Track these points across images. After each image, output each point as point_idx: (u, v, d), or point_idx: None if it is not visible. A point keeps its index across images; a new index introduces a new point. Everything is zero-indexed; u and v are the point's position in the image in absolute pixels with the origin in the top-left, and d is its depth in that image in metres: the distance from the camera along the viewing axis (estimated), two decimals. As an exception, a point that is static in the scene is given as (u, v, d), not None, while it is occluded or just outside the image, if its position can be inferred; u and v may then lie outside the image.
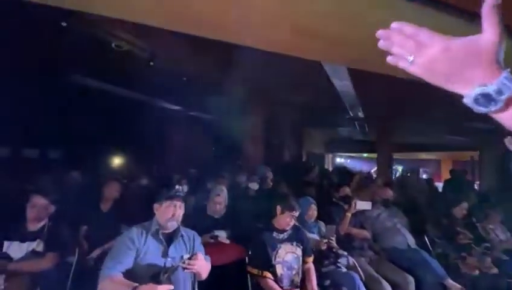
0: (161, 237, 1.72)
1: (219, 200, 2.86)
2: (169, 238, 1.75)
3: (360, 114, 7.26)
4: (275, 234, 2.24)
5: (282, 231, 2.25)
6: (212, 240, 2.56)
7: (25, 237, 2.00)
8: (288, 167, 6.84)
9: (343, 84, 4.83)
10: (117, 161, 6.84)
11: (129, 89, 5.96)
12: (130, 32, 3.85)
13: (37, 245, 2.00)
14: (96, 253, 2.75)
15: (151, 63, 4.41)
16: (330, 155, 14.09)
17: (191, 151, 8.80)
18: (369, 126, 8.25)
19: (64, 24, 2.91)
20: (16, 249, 1.94)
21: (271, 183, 4.31)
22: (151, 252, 1.66)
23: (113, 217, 3.03)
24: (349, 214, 2.88)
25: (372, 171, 11.86)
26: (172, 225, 1.74)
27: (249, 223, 3.28)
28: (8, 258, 1.90)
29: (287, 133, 9.32)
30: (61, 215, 2.27)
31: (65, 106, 5.08)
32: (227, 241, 2.69)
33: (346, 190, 3.26)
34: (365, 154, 14.25)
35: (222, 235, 2.75)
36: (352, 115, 7.08)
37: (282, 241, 2.22)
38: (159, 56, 4.44)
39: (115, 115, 6.12)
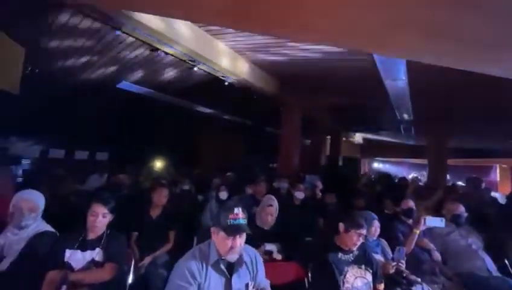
0: (222, 267, 1.52)
1: (271, 211, 2.69)
2: (231, 267, 1.55)
3: (407, 116, 6.73)
4: (340, 254, 1.98)
5: (348, 252, 2.01)
6: (266, 257, 2.41)
7: (85, 246, 1.99)
8: (335, 175, 6.50)
9: (395, 83, 4.45)
10: (160, 165, 7.00)
11: (171, 95, 6.06)
12: (174, 36, 3.86)
13: (97, 255, 1.98)
14: (147, 261, 2.74)
15: (195, 69, 4.43)
16: (367, 160, 13.38)
17: (227, 155, 8.82)
18: (417, 129, 7.63)
19: (118, 33, 2.96)
20: (77, 259, 1.93)
21: (320, 194, 4.05)
22: (214, 287, 1.47)
23: (162, 224, 3.01)
24: (417, 232, 2.56)
25: (410, 176, 11.01)
26: (232, 258, 1.53)
27: (298, 237, 3.08)
28: (70, 267, 1.89)
29: (324, 137, 8.97)
30: (117, 223, 2.25)
31: (116, 112, 5.28)
32: (280, 257, 2.52)
33: (410, 203, 2.92)
34: (408, 160, 13.33)
35: (274, 249, 2.59)
36: (398, 116, 6.58)
37: (349, 263, 1.95)
38: (200, 60, 4.44)
39: (157, 120, 6.28)
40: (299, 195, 3.80)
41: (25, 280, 1.82)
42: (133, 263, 2.32)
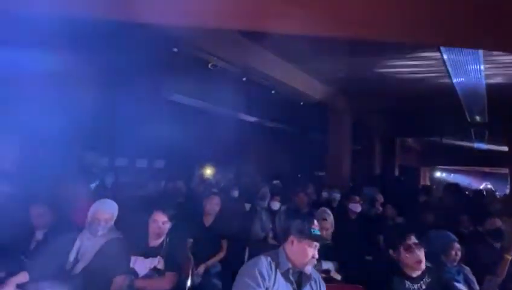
0: (291, 277, 1.49)
1: (326, 226, 2.53)
2: (300, 279, 1.51)
3: (479, 117, 5.89)
4: (407, 284, 1.70)
5: (417, 279, 1.72)
6: (323, 275, 2.24)
7: (147, 252, 2.08)
8: (397, 187, 5.97)
9: (467, 81, 3.90)
10: (209, 173, 7.23)
11: (221, 105, 6.26)
12: (226, 51, 3.98)
13: (158, 262, 2.05)
14: (201, 270, 2.77)
15: (244, 79, 4.49)
16: (427, 169, 12.08)
17: (273, 163, 8.78)
18: (493, 132, 6.63)
19: (175, 50, 3.14)
20: (140, 265, 2.02)
21: (380, 208, 3.68)
22: None
23: (215, 232, 3.04)
24: (509, 257, 2.14)
25: (482, 187, 9.62)
26: (308, 269, 1.51)
27: (357, 255, 2.83)
28: (135, 274, 1.97)
29: (377, 143, 8.34)
30: (175, 230, 2.31)
31: (167, 122, 5.63)
32: (339, 278, 2.33)
33: (497, 222, 2.47)
34: (474, 168, 11.71)
35: (331, 268, 2.41)
36: (469, 118, 5.80)
37: (421, 293, 1.69)
38: (251, 71, 4.50)
39: (207, 129, 6.53)
40: (356, 208, 3.50)
41: (96, 283, 1.95)
42: (190, 271, 2.35)
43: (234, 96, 5.30)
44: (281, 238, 1.62)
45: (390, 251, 1.82)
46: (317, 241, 1.52)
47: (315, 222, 1.56)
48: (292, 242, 1.52)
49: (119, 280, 1.91)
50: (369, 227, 3.42)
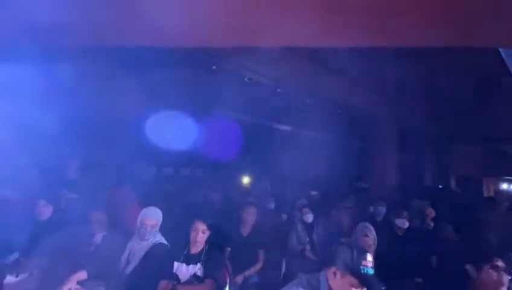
0: None
1: (368, 243, 2.39)
2: None
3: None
4: None
5: None
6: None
7: (188, 259, 2.20)
8: (453, 200, 5.41)
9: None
10: (246, 183, 7.37)
11: (258, 116, 6.41)
12: (261, 65, 4.10)
13: (198, 269, 2.15)
14: (239, 280, 2.83)
15: (279, 90, 4.56)
16: (491, 179, 10.64)
17: (311, 173, 8.61)
18: None
19: (214, 67, 3.34)
20: (182, 271, 2.14)
21: (431, 224, 3.36)
22: None
23: (252, 242, 3.09)
24: None
25: None
26: None
27: (405, 277, 2.61)
28: (177, 279, 2.10)
29: (429, 151, 7.67)
30: (214, 239, 2.41)
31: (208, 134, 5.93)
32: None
33: None
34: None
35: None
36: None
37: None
38: (286, 83, 4.55)
39: (244, 139, 6.70)
40: (403, 224, 3.22)
41: (143, 284, 2.12)
42: (228, 280, 2.42)
43: (270, 107, 5.39)
44: (324, 263, 1.48)
45: (469, 268, 1.66)
46: (365, 284, 1.31)
47: (368, 256, 1.36)
48: (335, 274, 1.36)
49: (163, 284, 2.05)
50: (419, 245, 3.13)
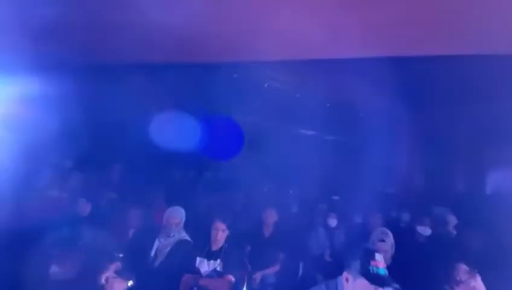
0: None
1: (384, 248, 2.39)
2: None
3: None
4: None
5: None
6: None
7: (210, 255, 2.37)
8: (477, 206, 5.13)
9: None
10: (268, 187, 7.47)
11: (278, 121, 6.53)
12: (279, 71, 4.24)
13: (218, 265, 2.32)
14: (258, 277, 2.95)
15: (297, 95, 4.66)
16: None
17: (335, 178, 8.51)
18: None
19: (235, 76, 3.55)
20: (203, 266, 2.32)
21: (454, 232, 3.25)
22: None
23: (273, 243, 3.20)
24: None
25: None
26: None
27: (424, 283, 2.57)
28: (199, 273, 2.28)
29: (459, 152, 7.24)
30: (234, 238, 2.56)
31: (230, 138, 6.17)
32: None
33: None
34: None
35: (391, 294, 2.27)
36: None
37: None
38: (303, 87, 4.64)
39: (268, 144, 6.85)
40: (424, 231, 3.17)
41: (169, 278, 2.32)
42: (246, 277, 2.55)
43: (291, 112, 5.49)
44: (340, 267, 1.47)
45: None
46: (376, 281, 1.31)
47: (376, 256, 1.35)
48: (347, 279, 1.36)
49: (187, 278, 2.24)
50: (441, 253, 3.04)
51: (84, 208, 2.96)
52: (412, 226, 3.63)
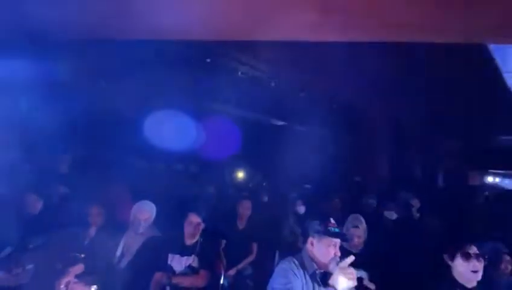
0: (318, 279, 1.53)
1: (358, 233, 2.48)
2: (324, 280, 1.52)
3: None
4: None
5: None
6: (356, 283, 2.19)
7: (183, 251, 2.22)
8: (438, 192, 5.58)
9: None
10: (241, 178, 7.40)
11: (250, 110, 6.41)
12: (254, 58, 4.09)
13: (193, 260, 2.18)
14: (232, 272, 2.87)
15: (272, 84, 4.57)
16: (476, 173, 10.95)
17: (305, 167, 8.70)
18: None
19: (208, 60, 3.33)
20: (177, 263, 2.17)
21: (418, 214, 3.49)
22: None
23: (247, 235, 3.14)
24: None
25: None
26: (333, 268, 1.50)
27: (393, 265, 2.70)
28: (172, 270, 2.12)
29: (418, 144, 7.84)
30: (209, 232, 2.43)
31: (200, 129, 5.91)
32: (373, 287, 2.25)
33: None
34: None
35: (364, 276, 2.34)
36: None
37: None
38: (279, 76, 4.56)
39: (238, 134, 6.71)
40: (390, 215, 3.36)
41: (138, 277, 2.14)
42: (222, 271, 2.45)
43: (263, 101, 5.40)
44: (303, 241, 1.66)
45: (445, 257, 1.72)
46: (336, 237, 1.55)
47: (331, 220, 1.59)
48: (312, 243, 1.56)
49: (158, 276, 2.07)
50: (406, 235, 3.24)
51: (34, 205, 2.61)
52: (379, 212, 3.80)
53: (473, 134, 8.07)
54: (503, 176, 11.45)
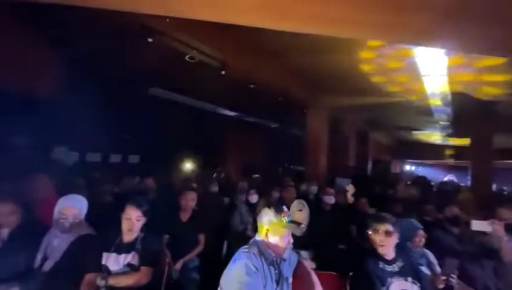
0: (276, 265, 1.60)
1: (301, 217, 2.61)
2: (280, 265, 1.62)
3: (444, 115, 6.29)
4: (381, 264, 1.84)
5: (391, 261, 1.85)
6: (298, 263, 2.32)
7: (121, 249, 2.02)
8: (366, 178, 6.24)
9: (434, 79, 4.14)
10: (187, 168, 7.13)
11: (199, 98, 6.17)
12: (204, 43, 3.90)
13: (132, 258, 2.01)
14: (178, 265, 2.75)
15: (223, 72, 4.44)
16: (398, 162, 12.71)
17: (253, 158, 8.83)
18: (459, 128, 7.09)
19: (150, 40, 3.04)
20: (113, 262, 1.97)
21: (352, 199, 3.85)
22: (270, 284, 1.55)
23: (192, 227, 3.02)
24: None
25: (446, 179, 10.27)
26: (286, 255, 1.62)
27: (330, 245, 2.95)
28: (107, 270, 1.93)
29: (351, 137, 8.66)
30: (150, 226, 2.27)
31: (142, 116, 5.47)
32: (314, 266, 2.41)
33: (454, 210, 2.67)
34: (443, 162, 12.48)
35: (307, 257, 2.49)
36: (435, 116, 6.17)
37: (393, 274, 1.80)
38: (230, 65, 4.45)
39: (184, 123, 6.41)
40: (329, 200, 3.63)
41: (66, 280, 1.88)
42: (166, 267, 2.33)
43: (213, 91, 5.25)
44: (259, 230, 1.68)
45: (369, 233, 1.92)
46: (289, 228, 1.61)
47: (284, 209, 1.66)
48: (267, 233, 1.62)
49: (90, 277, 1.86)
50: (342, 217, 3.57)
51: None
52: (319, 197, 4.10)
53: (397, 129, 9.20)
54: (418, 165, 13.58)
